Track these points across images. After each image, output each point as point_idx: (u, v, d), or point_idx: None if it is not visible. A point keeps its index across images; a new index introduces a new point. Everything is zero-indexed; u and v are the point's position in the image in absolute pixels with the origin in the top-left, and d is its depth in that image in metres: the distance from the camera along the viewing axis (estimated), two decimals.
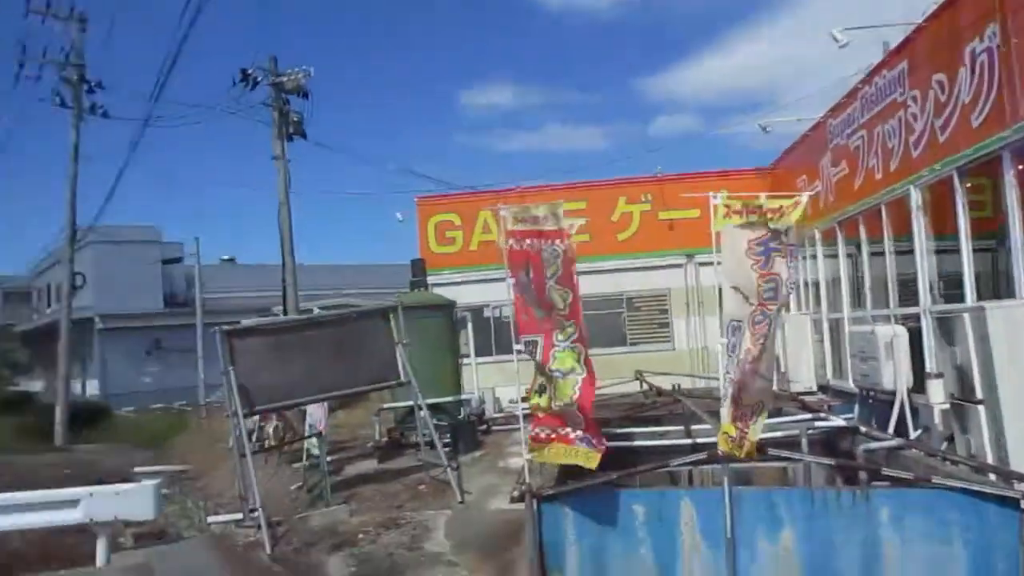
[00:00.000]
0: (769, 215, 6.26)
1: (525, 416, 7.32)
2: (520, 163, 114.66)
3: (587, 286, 7.93)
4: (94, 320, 34.03)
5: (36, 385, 39.27)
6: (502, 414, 14.24)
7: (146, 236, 34.75)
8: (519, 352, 7.84)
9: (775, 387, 14.23)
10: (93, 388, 34.70)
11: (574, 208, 15.73)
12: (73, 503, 8.13)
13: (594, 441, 6.50)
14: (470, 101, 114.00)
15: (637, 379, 14.76)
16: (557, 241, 6.60)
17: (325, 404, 10.89)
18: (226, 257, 42.04)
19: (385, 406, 13.29)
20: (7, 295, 42.59)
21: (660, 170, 19.17)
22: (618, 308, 18.42)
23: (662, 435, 8.48)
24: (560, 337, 6.61)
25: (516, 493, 6.68)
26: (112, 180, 28.29)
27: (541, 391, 6.76)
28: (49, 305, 41.27)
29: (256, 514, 8.55)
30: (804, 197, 6.47)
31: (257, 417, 12.61)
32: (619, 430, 9.18)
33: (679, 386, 13.29)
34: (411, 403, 10.95)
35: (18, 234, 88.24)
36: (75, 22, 23.70)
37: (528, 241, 6.65)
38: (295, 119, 21.19)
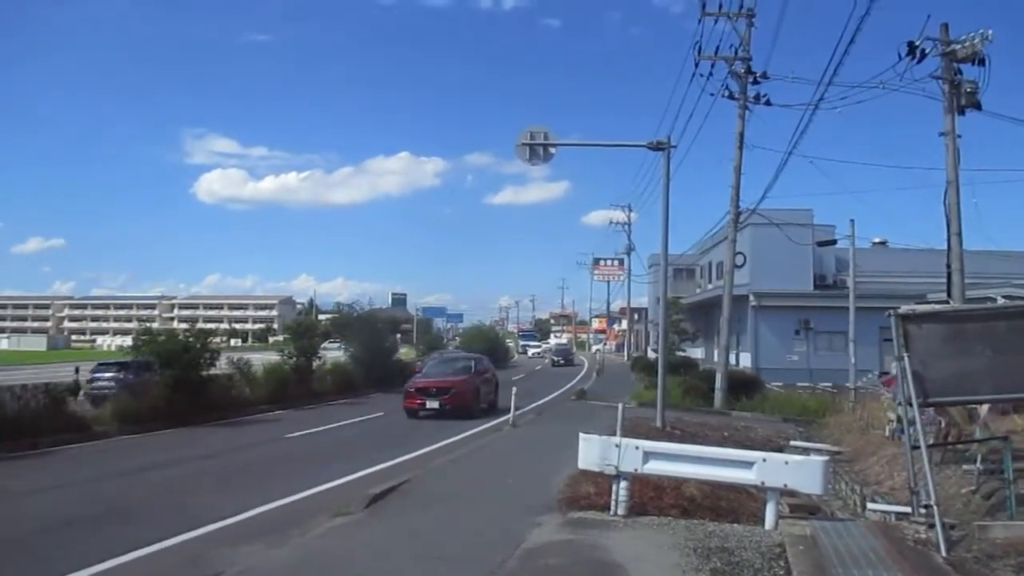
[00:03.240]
0: None
1: None
2: None
3: None
4: (748, 297, 36.47)
5: (696, 352, 43.93)
6: None
7: (800, 219, 35.64)
8: None
9: None
10: (745, 360, 37.30)
11: None
12: (748, 465, 8.68)
13: None
14: None
15: None
16: None
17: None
18: (877, 240, 40.74)
19: None
20: (676, 271, 48.38)
21: None
22: None
23: None
24: None
25: None
26: (767, 165, 29.75)
27: None
28: (710, 281, 45.67)
29: (926, 511, 8.06)
30: None
31: (932, 410, 11.97)
32: None
33: None
34: None
35: (687, 219, 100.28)
36: (744, 17, 25.31)
37: None
38: (968, 90, 19.34)
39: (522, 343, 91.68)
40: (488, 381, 24.42)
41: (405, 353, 46.61)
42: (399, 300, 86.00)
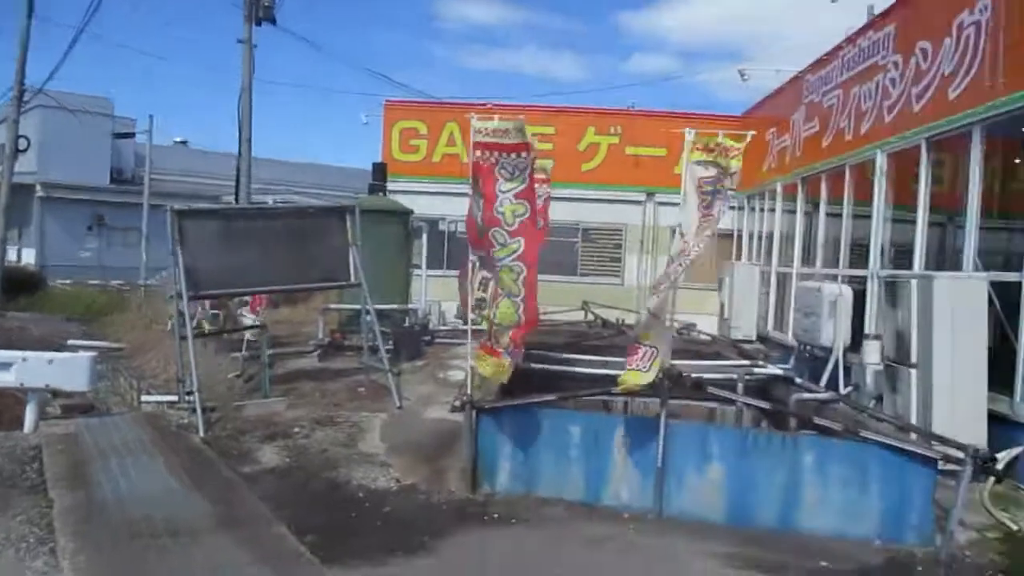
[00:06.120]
0: (720, 154, 6.29)
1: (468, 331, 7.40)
2: (493, 81, 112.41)
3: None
4: (35, 187, 32.90)
5: None
6: (447, 327, 14.25)
7: (98, 107, 33.29)
8: (473, 264, 7.86)
9: (718, 333, 14.55)
10: (29, 256, 33.73)
11: (542, 132, 15.57)
12: (6, 366, 7.96)
13: (511, 352, 6.61)
14: (448, 12, 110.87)
15: (583, 309, 14.97)
16: (523, 153, 6.33)
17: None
18: (179, 139, 40.75)
19: (331, 306, 13.20)
20: None
21: (633, 105, 19.17)
22: (572, 238, 18.45)
23: (602, 365, 8.54)
24: (501, 254, 6.47)
25: (457, 403, 6.72)
26: (66, 44, 26.99)
27: (480, 305, 6.82)
28: None
29: (191, 397, 8.49)
30: (748, 136, 6.63)
31: (208, 303, 12.59)
32: (562, 355, 9.33)
33: (623, 321, 13.52)
34: (357, 306, 10.90)
35: None
36: None
37: (494, 155, 6.45)
38: (266, 3, 20.42)
39: None
40: None
41: None
42: None
